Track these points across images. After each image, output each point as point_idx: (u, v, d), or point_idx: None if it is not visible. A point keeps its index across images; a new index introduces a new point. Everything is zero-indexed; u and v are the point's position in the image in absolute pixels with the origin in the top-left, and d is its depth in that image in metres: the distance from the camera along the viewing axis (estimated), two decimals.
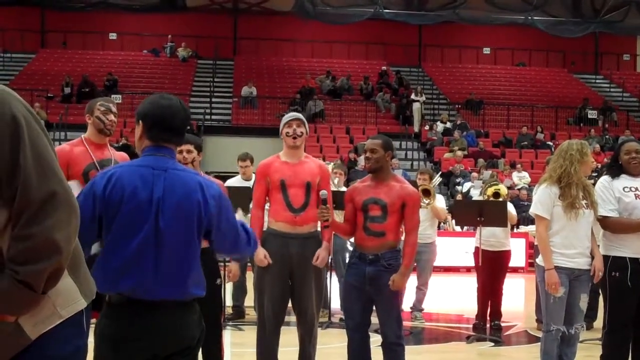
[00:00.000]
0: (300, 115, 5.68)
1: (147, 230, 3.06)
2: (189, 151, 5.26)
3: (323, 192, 5.31)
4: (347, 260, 7.31)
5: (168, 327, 3.10)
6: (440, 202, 9.32)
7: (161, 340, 3.10)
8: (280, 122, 5.65)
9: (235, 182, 8.97)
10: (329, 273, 9.10)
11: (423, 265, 9.21)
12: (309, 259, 5.49)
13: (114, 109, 5.32)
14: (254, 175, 9.06)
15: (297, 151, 5.56)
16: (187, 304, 3.16)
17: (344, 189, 7.98)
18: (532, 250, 9.83)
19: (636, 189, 5.40)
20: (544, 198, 5.40)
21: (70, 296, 2.34)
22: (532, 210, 5.51)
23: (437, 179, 9.30)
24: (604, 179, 5.54)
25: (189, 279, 3.14)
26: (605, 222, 5.41)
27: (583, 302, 5.50)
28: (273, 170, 5.52)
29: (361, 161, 17.98)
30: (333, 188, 8.50)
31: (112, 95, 23.55)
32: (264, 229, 5.65)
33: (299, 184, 5.46)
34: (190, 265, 3.16)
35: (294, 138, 5.50)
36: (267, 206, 5.71)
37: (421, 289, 9.35)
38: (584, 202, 5.34)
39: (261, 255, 5.46)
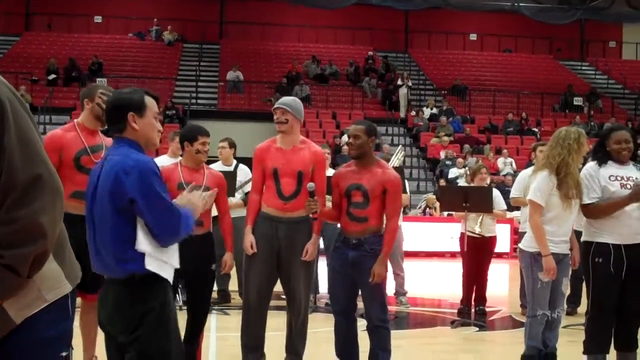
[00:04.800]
0: (283, 102, 5.65)
1: (88, 215, 3.40)
2: (206, 143, 5.43)
3: (310, 185, 5.40)
4: None
5: (108, 305, 3.34)
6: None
7: (105, 318, 3.38)
8: None
9: (216, 167, 8.93)
10: (319, 258, 9.12)
11: (393, 252, 9.12)
12: (297, 242, 5.54)
13: None
14: (234, 161, 9.05)
15: (288, 137, 5.60)
16: (126, 283, 3.29)
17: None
18: (517, 235, 9.87)
19: (622, 177, 5.35)
20: (543, 186, 5.38)
21: (55, 280, 2.33)
22: (531, 197, 5.44)
23: (395, 159, 9.19)
24: (590, 166, 5.48)
25: (120, 257, 3.28)
26: (587, 210, 5.39)
27: (564, 285, 5.56)
28: (268, 157, 5.58)
29: (344, 145, 18.00)
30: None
31: (97, 79, 23.43)
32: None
33: (290, 173, 5.52)
34: (119, 244, 3.28)
35: (279, 124, 5.55)
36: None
37: (398, 274, 9.30)
38: (574, 191, 5.35)
39: (247, 242, 5.55)
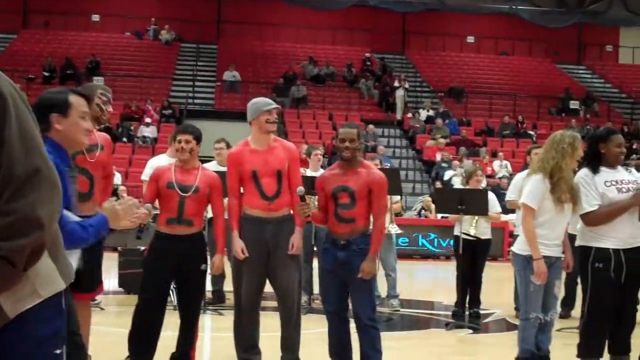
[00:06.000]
0: (274, 103, 5.77)
1: None
2: (187, 141, 5.40)
3: (300, 189, 5.42)
4: None
5: None
6: (395, 195, 9.22)
7: None
8: (252, 107, 5.67)
9: (210, 167, 8.92)
10: (314, 260, 9.12)
11: (385, 254, 9.06)
12: (284, 242, 5.58)
13: (111, 100, 5.34)
14: None
15: (269, 137, 5.63)
16: None
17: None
18: (512, 238, 9.89)
19: (616, 182, 5.34)
20: (536, 190, 5.38)
21: (49, 277, 2.34)
22: (524, 201, 5.45)
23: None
24: (585, 173, 5.42)
25: None
26: (588, 217, 5.34)
27: (557, 288, 5.57)
28: (244, 160, 5.60)
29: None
30: (309, 173, 8.53)
31: (94, 78, 23.43)
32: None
33: (270, 173, 5.57)
34: None
35: (272, 124, 5.61)
36: None
37: (390, 275, 9.28)
38: (567, 195, 5.35)
39: (238, 248, 5.57)
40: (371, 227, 5.51)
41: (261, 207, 5.57)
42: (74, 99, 3.41)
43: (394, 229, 9.12)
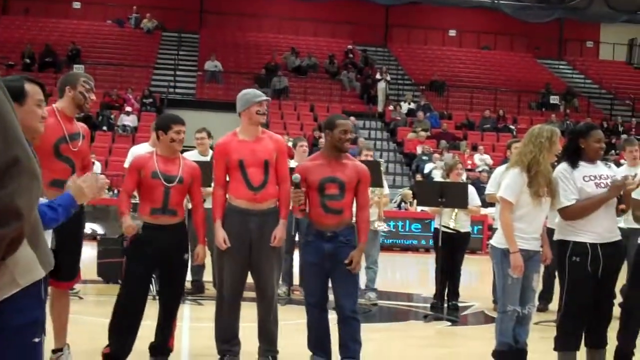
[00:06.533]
0: (264, 95, 5.80)
1: None
2: (184, 132, 5.48)
3: (296, 176, 5.42)
4: None
5: None
6: (385, 189, 9.26)
7: None
8: (243, 99, 5.65)
9: (191, 156, 8.89)
10: (296, 251, 9.12)
11: (369, 247, 9.06)
12: (268, 234, 5.58)
13: (94, 88, 5.32)
14: (210, 151, 9.01)
15: (257, 128, 5.64)
16: None
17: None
18: (491, 232, 9.94)
19: (595, 177, 5.37)
20: (514, 183, 5.40)
21: (28, 265, 2.33)
22: (502, 194, 5.47)
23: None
24: (564, 167, 5.43)
25: None
26: (565, 212, 5.36)
27: (535, 282, 5.60)
28: (231, 150, 5.59)
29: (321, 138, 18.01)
30: (294, 164, 8.53)
31: (75, 66, 23.25)
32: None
33: (257, 163, 5.55)
34: None
35: (262, 116, 5.61)
36: None
37: (371, 268, 9.29)
38: (545, 189, 5.37)
39: (220, 238, 5.56)
40: (354, 219, 5.53)
41: (247, 198, 5.55)
42: (29, 87, 3.35)
43: (380, 227, 9.11)
